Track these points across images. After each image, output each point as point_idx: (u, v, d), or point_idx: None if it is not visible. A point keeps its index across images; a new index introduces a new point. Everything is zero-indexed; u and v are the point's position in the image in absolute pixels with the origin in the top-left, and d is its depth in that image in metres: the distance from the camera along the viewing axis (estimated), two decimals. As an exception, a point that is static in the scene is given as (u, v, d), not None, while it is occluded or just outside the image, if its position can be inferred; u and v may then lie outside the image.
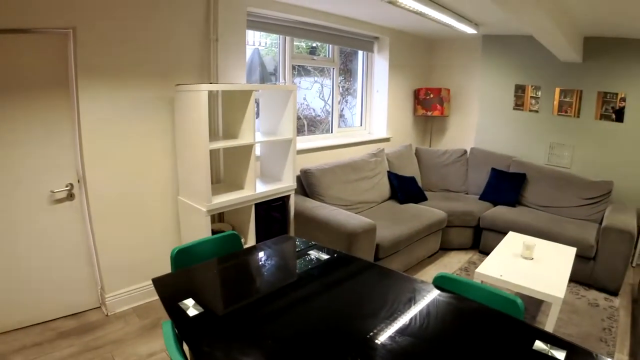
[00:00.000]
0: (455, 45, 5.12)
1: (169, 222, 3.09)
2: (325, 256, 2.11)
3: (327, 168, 3.81)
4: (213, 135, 3.11)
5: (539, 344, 1.38)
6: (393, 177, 4.33)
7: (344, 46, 4.42)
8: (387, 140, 4.96)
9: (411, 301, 1.67)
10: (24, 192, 2.50)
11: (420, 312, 1.59)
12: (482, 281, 2.76)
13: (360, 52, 4.78)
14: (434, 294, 1.73)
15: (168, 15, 2.79)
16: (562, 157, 4.36)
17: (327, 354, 1.35)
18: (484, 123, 4.95)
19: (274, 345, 1.38)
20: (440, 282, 1.81)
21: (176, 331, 1.42)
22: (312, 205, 3.40)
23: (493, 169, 4.45)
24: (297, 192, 3.75)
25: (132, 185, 2.85)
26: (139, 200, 2.90)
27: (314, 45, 4.35)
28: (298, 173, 3.71)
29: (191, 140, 2.73)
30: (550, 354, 1.33)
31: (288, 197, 3.29)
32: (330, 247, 2.25)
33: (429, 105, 5.02)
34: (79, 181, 2.69)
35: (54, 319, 2.74)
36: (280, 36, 3.83)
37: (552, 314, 2.53)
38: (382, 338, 1.41)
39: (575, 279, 3.48)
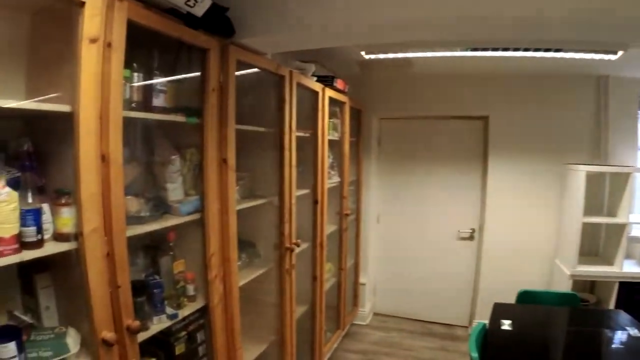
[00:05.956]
0: None
1: (539, 278, 3.58)
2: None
3: None
4: (596, 211, 3.35)
5: None
6: None
7: None
8: None
9: None
10: (441, 228, 3.90)
11: None
12: None
13: None
14: None
15: (560, 103, 3.47)
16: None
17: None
18: None
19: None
20: None
21: (485, 332, 2.14)
22: None
23: None
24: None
25: (516, 239, 3.63)
26: (518, 252, 3.62)
27: None
28: None
29: (569, 211, 3.22)
30: None
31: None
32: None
33: None
34: (479, 227, 3.80)
35: (429, 321, 3.95)
36: None
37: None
38: None
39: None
